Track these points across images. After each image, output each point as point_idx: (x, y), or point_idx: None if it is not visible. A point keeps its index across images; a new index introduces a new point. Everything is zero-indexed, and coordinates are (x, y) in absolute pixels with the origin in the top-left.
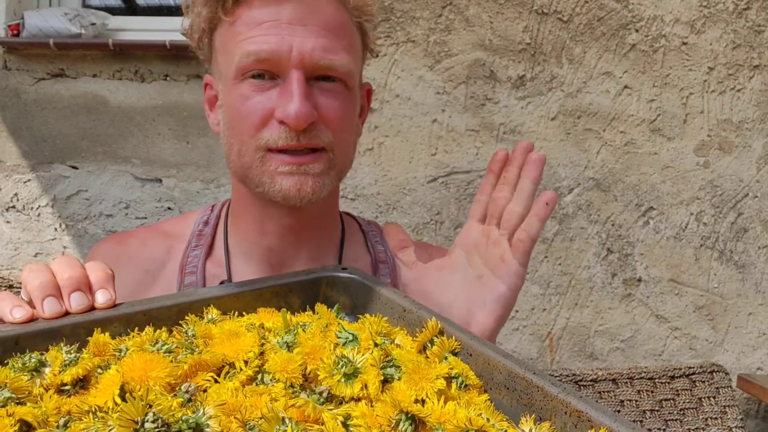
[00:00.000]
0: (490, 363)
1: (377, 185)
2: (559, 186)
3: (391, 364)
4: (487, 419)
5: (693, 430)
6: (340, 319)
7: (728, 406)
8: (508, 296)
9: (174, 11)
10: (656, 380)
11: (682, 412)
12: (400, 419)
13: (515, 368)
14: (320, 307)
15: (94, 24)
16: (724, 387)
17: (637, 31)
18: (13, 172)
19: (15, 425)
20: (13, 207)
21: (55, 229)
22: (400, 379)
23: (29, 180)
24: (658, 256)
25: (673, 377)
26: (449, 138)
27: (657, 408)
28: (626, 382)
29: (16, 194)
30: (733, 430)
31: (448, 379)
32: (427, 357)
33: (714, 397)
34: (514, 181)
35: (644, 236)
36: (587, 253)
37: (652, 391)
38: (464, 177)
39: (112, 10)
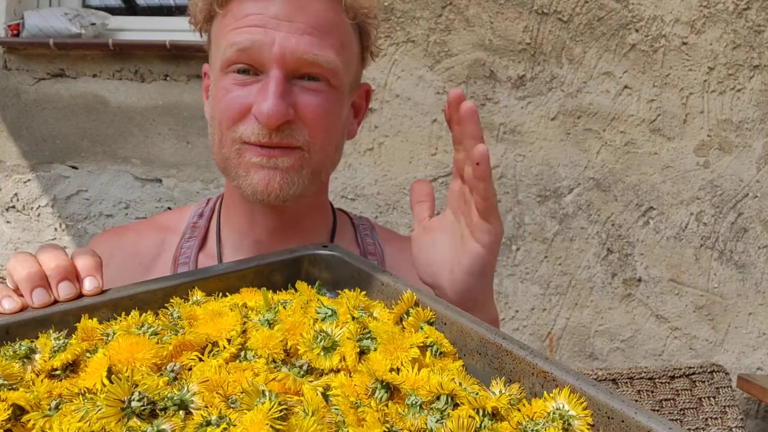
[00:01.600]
0: (464, 330)
1: (377, 185)
2: (559, 186)
3: (368, 336)
4: (459, 383)
5: (693, 430)
6: (321, 295)
7: (728, 406)
8: (482, 254)
9: (174, 11)
10: (656, 380)
11: (682, 412)
12: (376, 387)
13: (486, 334)
14: (300, 285)
15: (94, 24)
16: (724, 387)
17: (637, 31)
18: (13, 172)
19: (8, 410)
20: (13, 207)
21: (55, 229)
22: (376, 350)
23: (29, 180)
24: (658, 256)
25: (673, 377)
26: (449, 138)
27: (657, 408)
28: (626, 382)
29: (16, 194)
30: (733, 430)
31: (424, 347)
32: (404, 328)
33: (714, 397)
34: (461, 138)
35: (644, 236)
36: (587, 253)
37: (652, 391)
38: None
39: (112, 10)
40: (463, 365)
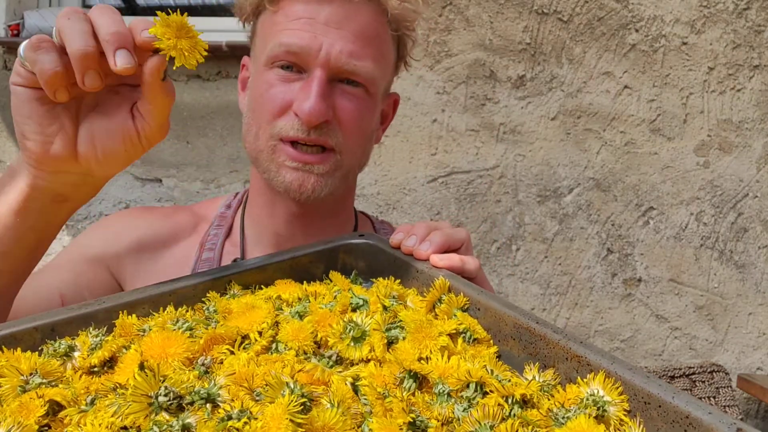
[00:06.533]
0: (498, 315)
1: (377, 185)
2: (559, 186)
3: (396, 325)
4: (490, 371)
5: None
6: (358, 285)
7: (728, 406)
8: None
9: (174, 12)
10: None
11: None
12: (404, 377)
13: (520, 318)
14: (335, 275)
15: None
16: (724, 387)
17: (637, 31)
18: None
19: (44, 406)
20: None
21: None
22: (405, 339)
23: None
24: (658, 256)
25: (673, 377)
26: (449, 138)
27: None
28: None
29: None
30: None
31: (456, 334)
32: (437, 315)
33: (714, 397)
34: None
35: (644, 236)
36: (587, 253)
37: None
38: (464, 177)
39: None
40: (497, 352)
